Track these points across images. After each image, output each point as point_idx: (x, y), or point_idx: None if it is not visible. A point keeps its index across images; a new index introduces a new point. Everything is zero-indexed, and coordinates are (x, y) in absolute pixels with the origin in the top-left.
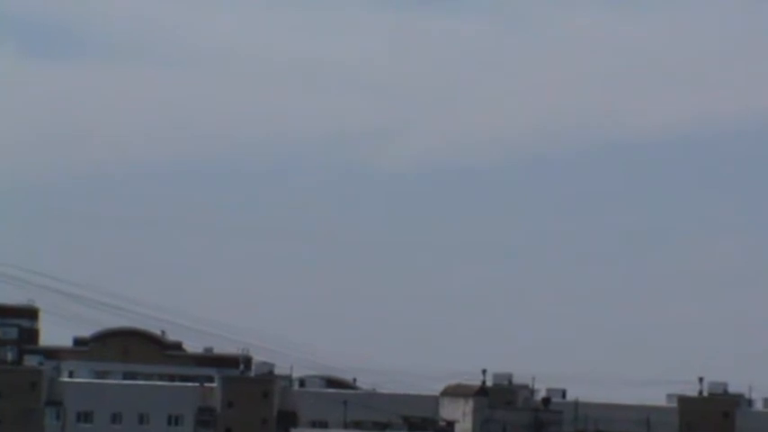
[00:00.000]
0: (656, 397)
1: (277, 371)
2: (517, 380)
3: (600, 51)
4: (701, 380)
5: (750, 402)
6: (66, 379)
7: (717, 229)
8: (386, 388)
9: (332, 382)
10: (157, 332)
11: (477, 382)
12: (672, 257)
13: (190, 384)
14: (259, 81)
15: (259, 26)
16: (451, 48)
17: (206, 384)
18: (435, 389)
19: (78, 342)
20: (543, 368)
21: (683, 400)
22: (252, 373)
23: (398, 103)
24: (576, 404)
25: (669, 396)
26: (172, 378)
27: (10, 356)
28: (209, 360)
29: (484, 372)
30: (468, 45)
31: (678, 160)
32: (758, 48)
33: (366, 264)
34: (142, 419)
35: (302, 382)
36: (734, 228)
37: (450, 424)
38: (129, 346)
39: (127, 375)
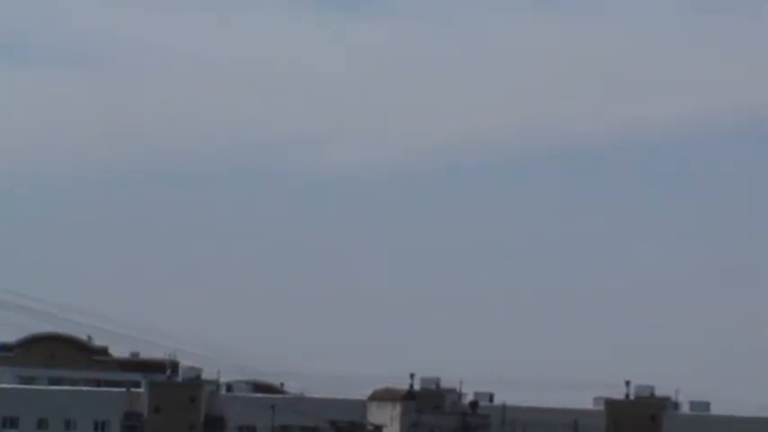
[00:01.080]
0: (584, 400)
1: (204, 376)
2: (445, 384)
3: (533, 56)
4: (627, 383)
5: (676, 405)
6: None
7: (644, 234)
8: (314, 392)
9: (259, 387)
10: (83, 337)
11: (404, 387)
12: (599, 262)
13: (116, 390)
14: (192, 85)
15: (192, 30)
16: (384, 52)
17: (132, 390)
18: (363, 393)
19: (3, 347)
20: (471, 372)
21: (610, 404)
22: (179, 378)
23: (332, 109)
24: (504, 408)
25: (596, 399)
26: (98, 383)
27: None
28: (136, 365)
29: (411, 376)
30: (401, 50)
31: (612, 166)
32: (689, 52)
33: (294, 268)
34: (68, 425)
35: (229, 387)
36: (661, 233)
37: (378, 428)
38: (54, 352)
39: (53, 381)
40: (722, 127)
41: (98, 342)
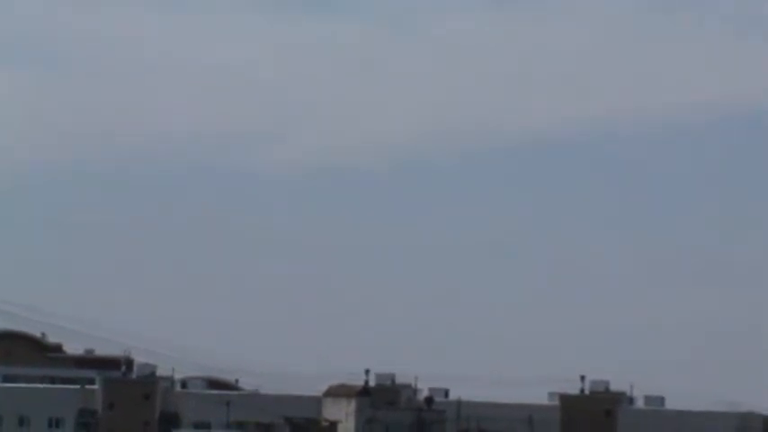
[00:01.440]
0: (538, 395)
1: (159, 372)
2: (400, 380)
3: (481, 54)
4: (582, 378)
5: (631, 400)
6: None
7: (596, 230)
8: (269, 389)
9: (214, 384)
10: (38, 334)
11: (359, 383)
12: (552, 258)
13: (71, 387)
14: (141, 83)
15: (144, 28)
16: (334, 51)
17: (87, 386)
18: (318, 389)
19: None
20: (426, 368)
21: (565, 399)
22: (134, 375)
23: (281, 106)
24: (459, 403)
25: (551, 394)
26: (52, 380)
27: None
28: (91, 362)
29: (366, 372)
30: (355, 48)
31: (560, 162)
32: (644, 50)
33: (248, 264)
34: (22, 422)
35: (184, 384)
36: (613, 229)
37: (333, 424)
38: (9, 349)
39: (7, 378)
40: (680, 121)
41: (53, 339)
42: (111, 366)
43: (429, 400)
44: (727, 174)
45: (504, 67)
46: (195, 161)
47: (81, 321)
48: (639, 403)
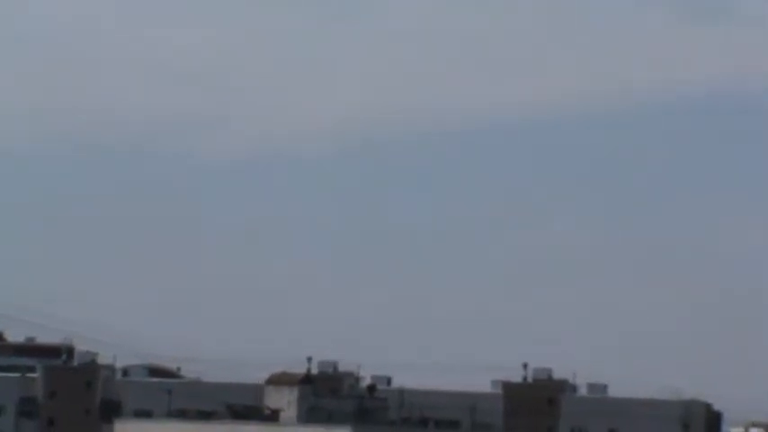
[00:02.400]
0: (481, 383)
1: (100, 360)
2: (342, 367)
3: (431, 38)
4: (525, 366)
5: (574, 388)
6: None
7: (540, 217)
8: (210, 377)
9: (155, 372)
10: None
11: (301, 371)
12: (495, 245)
13: (11, 375)
14: (83, 69)
15: (85, 13)
16: (279, 36)
17: (27, 374)
18: (260, 377)
19: None
20: (368, 356)
21: (508, 386)
22: (74, 363)
23: (229, 92)
24: (402, 391)
25: (494, 382)
26: None
27: None
28: (31, 350)
29: (309, 360)
30: (296, 35)
31: (510, 147)
32: (583, 35)
33: (189, 252)
34: None
35: (126, 372)
36: (556, 217)
37: (275, 412)
38: None
39: None
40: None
41: None
42: (51, 354)
43: (371, 388)
44: (670, 163)
45: (448, 51)
46: (135, 146)
47: (21, 309)
48: (582, 391)
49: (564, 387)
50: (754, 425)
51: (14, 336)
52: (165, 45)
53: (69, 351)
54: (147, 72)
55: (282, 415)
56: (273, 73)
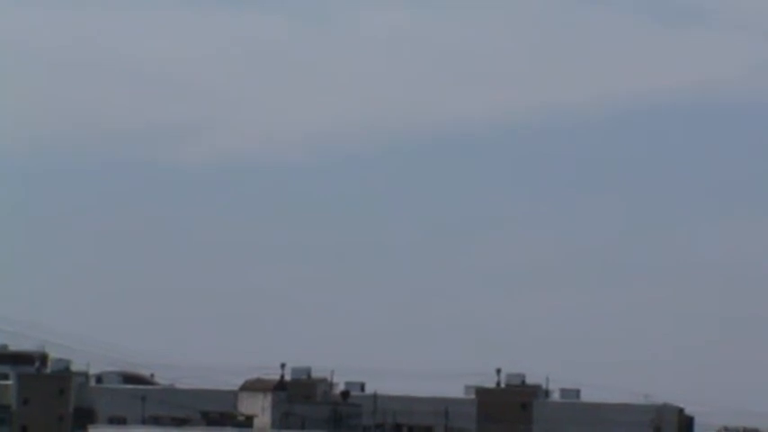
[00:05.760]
0: (455, 389)
1: (73, 367)
2: (316, 374)
3: (404, 49)
4: (498, 371)
5: (547, 393)
6: None
7: (511, 224)
8: (184, 383)
9: (129, 378)
10: None
11: (275, 377)
12: (470, 251)
13: None
14: (62, 77)
15: (64, 21)
16: (259, 45)
17: (1, 382)
18: (234, 384)
19: None
20: (342, 362)
21: (481, 392)
22: (48, 370)
23: (202, 100)
24: (375, 397)
25: (467, 388)
26: None
27: None
28: (5, 357)
29: (282, 366)
30: (271, 45)
31: (484, 157)
32: (562, 43)
33: (164, 259)
34: None
35: (99, 379)
36: (528, 223)
37: (249, 419)
38: None
39: None
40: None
41: None
42: (25, 361)
43: (345, 394)
44: (647, 169)
45: (428, 62)
46: (113, 154)
47: None
48: (555, 396)
49: (537, 392)
50: (726, 429)
51: None
52: (138, 53)
53: (43, 358)
54: (122, 80)
55: (256, 421)
56: (255, 82)
